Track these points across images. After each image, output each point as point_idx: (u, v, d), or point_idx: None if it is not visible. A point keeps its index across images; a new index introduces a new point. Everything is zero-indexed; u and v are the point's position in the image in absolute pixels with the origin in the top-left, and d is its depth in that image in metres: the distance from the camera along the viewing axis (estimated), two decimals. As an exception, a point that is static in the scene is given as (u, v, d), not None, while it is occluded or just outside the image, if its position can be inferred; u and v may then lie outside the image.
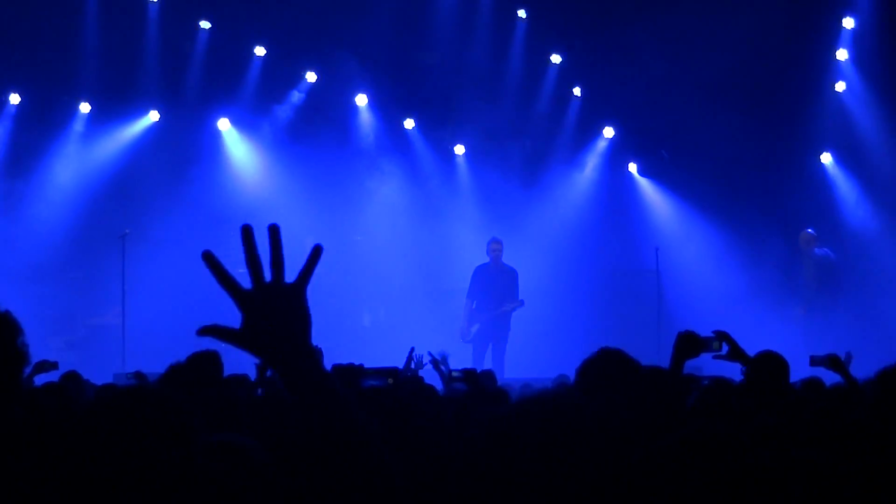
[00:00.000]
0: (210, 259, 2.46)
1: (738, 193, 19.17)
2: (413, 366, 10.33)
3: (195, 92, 18.90)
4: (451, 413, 5.88)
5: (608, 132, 19.93)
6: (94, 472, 3.10)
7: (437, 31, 19.29)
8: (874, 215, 18.73)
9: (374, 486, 2.50)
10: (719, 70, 17.83)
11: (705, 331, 6.11)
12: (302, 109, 19.30)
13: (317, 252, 2.53)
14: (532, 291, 17.82)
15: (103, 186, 18.46)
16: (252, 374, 8.47)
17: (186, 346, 7.10)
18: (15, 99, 18.23)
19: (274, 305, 2.49)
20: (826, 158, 19.23)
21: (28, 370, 4.89)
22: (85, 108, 18.55)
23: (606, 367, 4.98)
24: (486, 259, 17.57)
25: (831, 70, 19.17)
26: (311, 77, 19.27)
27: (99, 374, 11.59)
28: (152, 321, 17.20)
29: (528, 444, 2.41)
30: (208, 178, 18.78)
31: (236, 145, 19.26)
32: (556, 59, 19.76)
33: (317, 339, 2.58)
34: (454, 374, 8.88)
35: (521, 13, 19.71)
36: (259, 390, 8.00)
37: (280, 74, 19.14)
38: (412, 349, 10.59)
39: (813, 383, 7.50)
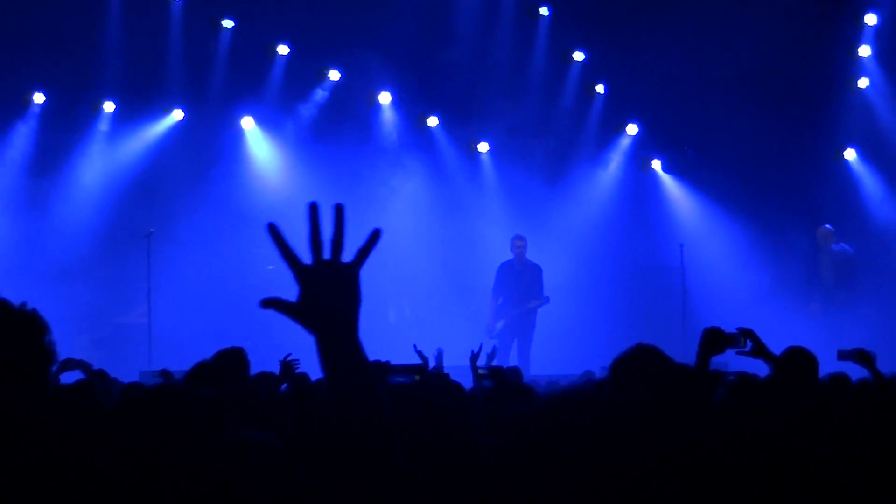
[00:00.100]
0: (274, 231, 2.56)
1: (762, 190, 19.10)
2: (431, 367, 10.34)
3: (218, 91, 18.93)
4: (477, 410, 5.88)
5: (631, 129, 19.88)
6: (121, 470, 3.10)
7: (459, 29, 19.27)
8: (899, 211, 18.68)
9: (376, 487, 2.51)
10: (742, 66, 17.80)
11: (729, 327, 6.11)
12: (325, 108, 19.30)
13: (375, 235, 2.62)
14: (556, 288, 17.82)
15: (128, 185, 18.49)
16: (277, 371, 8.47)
17: (212, 343, 7.12)
18: (39, 98, 18.29)
19: (330, 282, 2.60)
20: (850, 154, 19.15)
21: (54, 368, 4.90)
22: (109, 107, 18.56)
23: (641, 362, 4.97)
24: (510, 256, 17.59)
25: (854, 66, 19.11)
26: (334, 75, 19.27)
27: (125, 372, 11.60)
28: (178, 319, 17.26)
29: (558, 441, 2.41)
30: (232, 176, 18.82)
31: (260, 144, 19.29)
32: (578, 56, 19.74)
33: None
34: (480, 371, 8.91)
35: (544, 10, 19.68)
36: (283, 385, 8.02)
37: (303, 73, 19.14)
38: (440, 351, 10.61)
39: (839, 379, 7.48)
